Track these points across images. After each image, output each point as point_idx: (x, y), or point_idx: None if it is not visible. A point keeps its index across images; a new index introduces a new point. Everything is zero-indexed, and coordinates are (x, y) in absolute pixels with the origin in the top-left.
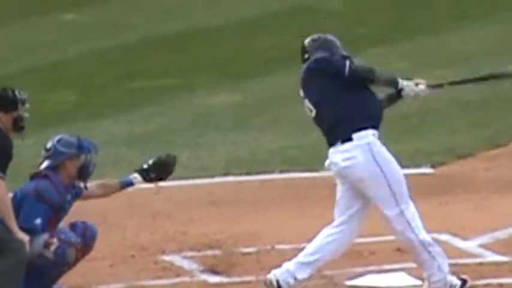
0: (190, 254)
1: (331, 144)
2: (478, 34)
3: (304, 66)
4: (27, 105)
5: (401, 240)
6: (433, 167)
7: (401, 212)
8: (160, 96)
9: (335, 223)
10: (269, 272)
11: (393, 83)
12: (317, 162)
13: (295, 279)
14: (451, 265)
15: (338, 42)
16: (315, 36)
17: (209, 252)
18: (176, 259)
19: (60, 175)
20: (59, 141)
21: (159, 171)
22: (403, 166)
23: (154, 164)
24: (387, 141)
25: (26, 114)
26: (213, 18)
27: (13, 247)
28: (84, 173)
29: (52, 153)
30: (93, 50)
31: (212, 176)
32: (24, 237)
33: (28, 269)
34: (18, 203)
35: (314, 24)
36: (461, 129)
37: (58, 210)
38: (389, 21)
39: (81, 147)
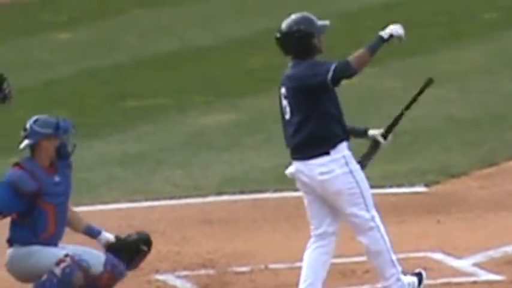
0: (183, 273)
1: (303, 157)
2: (469, 53)
3: (291, 71)
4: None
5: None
6: (426, 185)
7: (372, 218)
8: (153, 116)
9: (317, 237)
10: None
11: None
12: None
13: None
14: (444, 284)
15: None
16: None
17: (203, 272)
18: (170, 278)
19: (38, 156)
20: (35, 121)
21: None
22: (396, 185)
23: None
24: (380, 160)
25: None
26: (205, 38)
27: None
28: (62, 153)
29: (29, 133)
30: (86, 70)
31: (205, 195)
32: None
33: (34, 283)
34: None
35: None
36: (455, 148)
37: (44, 196)
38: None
39: (57, 127)
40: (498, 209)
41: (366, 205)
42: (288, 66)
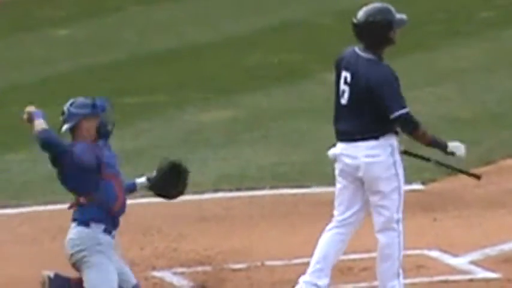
0: (180, 270)
1: (353, 138)
2: (468, 51)
3: (364, 64)
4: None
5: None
6: (423, 183)
7: (398, 221)
8: (151, 113)
9: (339, 223)
10: None
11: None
12: (307, 178)
13: (318, 286)
14: (441, 282)
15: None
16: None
17: (199, 268)
18: (166, 275)
19: (80, 138)
20: (72, 103)
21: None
22: None
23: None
24: None
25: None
26: (203, 35)
27: None
28: (103, 131)
29: (67, 116)
30: (84, 66)
31: (202, 192)
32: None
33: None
34: None
35: (305, 40)
36: None
37: (105, 167)
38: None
39: (95, 106)
40: (495, 207)
41: (398, 204)
42: (355, 51)
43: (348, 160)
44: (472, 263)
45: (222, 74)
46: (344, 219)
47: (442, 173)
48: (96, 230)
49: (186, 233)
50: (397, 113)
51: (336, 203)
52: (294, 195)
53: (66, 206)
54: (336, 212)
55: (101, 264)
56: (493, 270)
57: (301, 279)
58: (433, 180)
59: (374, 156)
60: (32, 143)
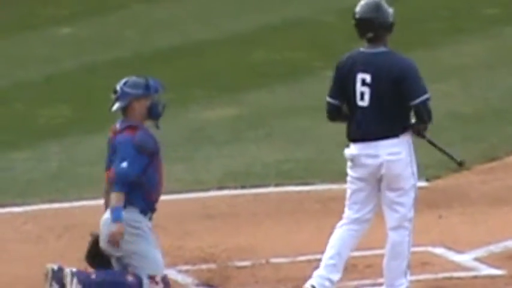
0: (185, 267)
1: (373, 138)
2: (470, 48)
3: (376, 59)
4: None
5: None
6: (427, 180)
7: (410, 220)
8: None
9: (352, 221)
10: (264, 286)
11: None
12: (312, 176)
13: (331, 281)
14: (445, 279)
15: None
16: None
17: (204, 266)
18: (171, 273)
19: (131, 117)
20: (125, 83)
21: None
22: None
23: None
24: None
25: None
26: (206, 33)
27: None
28: (154, 112)
29: (119, 95)
30: (87, 64)
31: (207, 190)
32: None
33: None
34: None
35: (308, 38)
36: (456, 143)
37: (157, 154)
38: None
39: (148, 87)
40: (499, 203)
41: (413, 203)
42: (363, 51)
43: (368, 160)
44: (477, 259)
45: (226, 71)
46: (358, 218)
47: (447, 170)
48: (133, 212)
49: (191, 231)
50: (423, 97)
51: (349, 202)
52: (299, 192)
53: (71, 204)
54: (349, 211)
55: (144, 244)
56: (497, 267)
57: (316, 273)
58: (438, 177)
59: (396, 154)
60: (37, 141)
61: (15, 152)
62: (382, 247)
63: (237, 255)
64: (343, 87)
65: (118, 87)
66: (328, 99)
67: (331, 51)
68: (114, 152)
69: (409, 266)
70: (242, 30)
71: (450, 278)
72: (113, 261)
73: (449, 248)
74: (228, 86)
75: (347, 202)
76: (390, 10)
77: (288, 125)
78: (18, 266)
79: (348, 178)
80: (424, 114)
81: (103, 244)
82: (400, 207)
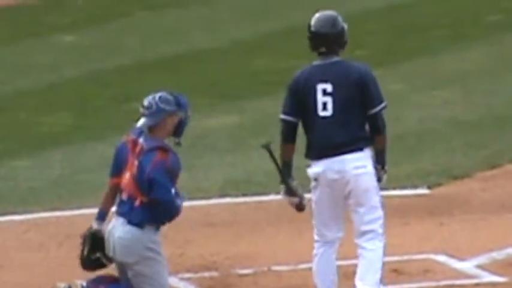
0: (187, 275)
1: (339, 152)
2: (473, 55)
3: (335, 68)
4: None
5: (397, 262)
6: (429, 187)
7: (383, 235)
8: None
9: (327, 243)
10: None
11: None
12: None
13: None
14: (447, 286)
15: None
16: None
17: (206, 274)
18: (173, 281)
19: (159, 133)
20: (159, 98)
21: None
22: (399, 187)
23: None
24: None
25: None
26: (209, 40)
27: None
28: (181, 129)
29: (155, 111)
30: (89, 72)
31: (209, 198)
32: None
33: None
34: (144, 175)
35: None
36: (458, 150)
37: None
38: (386, 42)
39: (179, 104)
40: (501, 210)
41: (382, 219)
42: (316, 65)
43: (334, 176)
44: (479, 267)
45: (228, 79)
46: (334, 239)
47: (448, 177)
48: (150, 231)
49: (193, 239)
50: (381, 105)
51: (318, 223)
52: None
53: (72, 212)
54: (319, 234)
55: (158, 267)
56: (499, 274)
57: None
58: (439, 185)
59: (363, 167)
60: (39, 149)
61: (17, 160)
62: None
63: (239, 263)
64: (299, 102)
65: (151, 102)
66: (284, 116)
67: None
68: (143, 175)
69: (381, 280)
70: (244, 38)
71: (452, 286)
72: (119, 269)
73: (451, 256)
74: (231, 93)
75: (315, 224)
76: (345, 26)
77: None
78: (20, 274)
79: (313, 199)
80: (380, 124)
81: (111, 254)
82: (370, 222)
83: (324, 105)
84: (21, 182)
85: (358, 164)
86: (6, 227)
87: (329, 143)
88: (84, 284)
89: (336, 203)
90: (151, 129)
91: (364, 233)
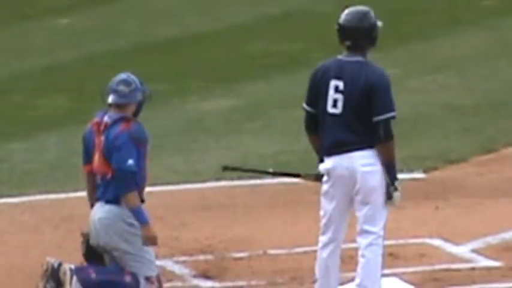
0: (182, 258)
1: (347, 150)
2: (469, 39)
3: (351, 68)
4: None
5: (393, 246)
6: (425, 172)
7: (382, 238)
8: (152, 102)
9: (333, 242)
10: (261, 277)
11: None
12: (309, 167)
13: None
14: (442, 270)
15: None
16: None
17: (201, 257)
18: (168, 264)
19: (128, 110)
20: (137, 78)
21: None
22: None
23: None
24: None
25: None
26: (204, 24)
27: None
28: (140, 110)
29: (133, 89)
30: (85, 55)
31: (204, 181)
32: None
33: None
34: (110, 145)
35: (307, 29)
36: (453, 134)
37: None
38: (382, 26)
39: (142, 83)
40: (496, 195)
41: (385, 221)
42: (339, 59)
43: (343, 172)
44: (474, 251)
45: (224, 62)
46: (335, 238)
47: (444, 162)
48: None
49: (188, 222)
50: (387, 115)
51: (325, 222)
52: (296, 184)
53: (68, 195)
54: (325, 233)
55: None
56: (494, 259)
57: None
58: (435, 169)
59: (372, 165)
60: (34, 132)
61: (13, 142)
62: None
63: (234, 246)
64: (316, 94)
65: (131, 81)
66: (304, 106)
67: (330, 42)
68: (109, 146)
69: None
70: (241, 21)
71: (447, 270)
72: (106, 258)
73: (447, 240)
74: (226, 77)
75: (322, 224)
76: (377, 23)
77: (285, 117)
78: (15, 257)
79: (322, 196)
80: (383, 133)
81: (95, 241)
82: (374, 227)
83: (335, 102)
84: (17, 164)
85: (367, 162)
86: (1, 210)
87: (336, 141)
88: (73, 267)
89: (343, 200)
90: (121, 107)
91: (366, 232)
